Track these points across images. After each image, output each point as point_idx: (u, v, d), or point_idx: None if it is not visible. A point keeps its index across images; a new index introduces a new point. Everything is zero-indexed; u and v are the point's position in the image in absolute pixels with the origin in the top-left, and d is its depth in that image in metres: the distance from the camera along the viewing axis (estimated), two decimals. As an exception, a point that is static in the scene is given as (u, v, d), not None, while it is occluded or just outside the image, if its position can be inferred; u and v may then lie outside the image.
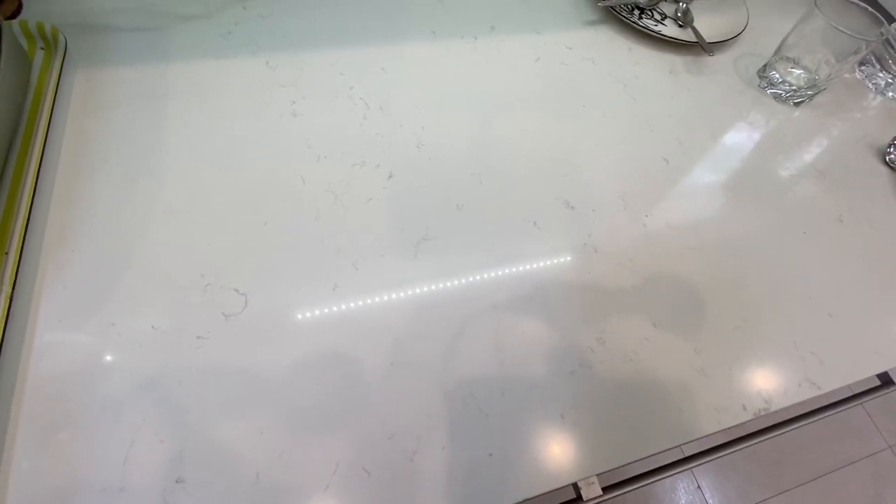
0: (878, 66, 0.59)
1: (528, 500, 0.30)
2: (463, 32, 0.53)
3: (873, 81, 0.59)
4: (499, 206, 0.41)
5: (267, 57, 0.47)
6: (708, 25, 0.56)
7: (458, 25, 0.53)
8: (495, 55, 0.52)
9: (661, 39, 0.55)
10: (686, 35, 0.56)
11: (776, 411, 0.36)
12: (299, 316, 0.34)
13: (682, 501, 1.08)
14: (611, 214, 0.42)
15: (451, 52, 0.51)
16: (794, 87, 0.53)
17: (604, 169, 0.45)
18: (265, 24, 0.49)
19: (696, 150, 0.48)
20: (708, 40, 0.55)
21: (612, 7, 0.56)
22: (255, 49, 0.47)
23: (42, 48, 0.43)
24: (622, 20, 0.56)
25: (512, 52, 0.52)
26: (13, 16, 0.45)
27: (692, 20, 0.57)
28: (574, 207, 0.42)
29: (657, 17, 0.58)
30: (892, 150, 0.51)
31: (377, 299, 0.35)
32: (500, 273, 0.38)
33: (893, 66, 0.58)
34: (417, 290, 0.36)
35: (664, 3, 0.59)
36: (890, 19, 0.56)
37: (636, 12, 0.57)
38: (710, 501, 1.09)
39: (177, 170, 0.39)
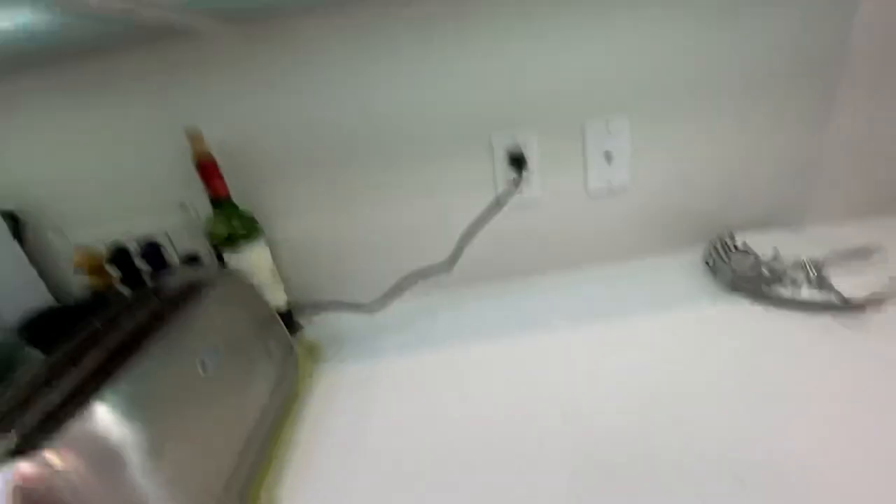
0: None
1: None
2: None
3: None
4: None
5: (441, 350, 0.62)
6: (851, 284, 0.56)
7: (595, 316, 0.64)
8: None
9: (802, 303, 0.56)
10: (827, 296, 0.56)
11: None
12: None
13: None
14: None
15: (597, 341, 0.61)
16: None
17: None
18: (441, 318, 0.67)
19: None
20: (853, 298, 0.54)
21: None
22: (435, 343, 0.63)
23: (307, 353, 0.65)
24: (755, 293, 0.60)
25: (646, 331, 0.60)
26: (295, 332, 0.70)
27: (829, 284, 0.57)
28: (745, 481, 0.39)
29: (789, 283, 0.60)
30: None
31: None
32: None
33: None
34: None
35: (792, 270, 0.62)
36: None
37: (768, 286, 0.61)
38: None
39: (383, 443, 0.50)
